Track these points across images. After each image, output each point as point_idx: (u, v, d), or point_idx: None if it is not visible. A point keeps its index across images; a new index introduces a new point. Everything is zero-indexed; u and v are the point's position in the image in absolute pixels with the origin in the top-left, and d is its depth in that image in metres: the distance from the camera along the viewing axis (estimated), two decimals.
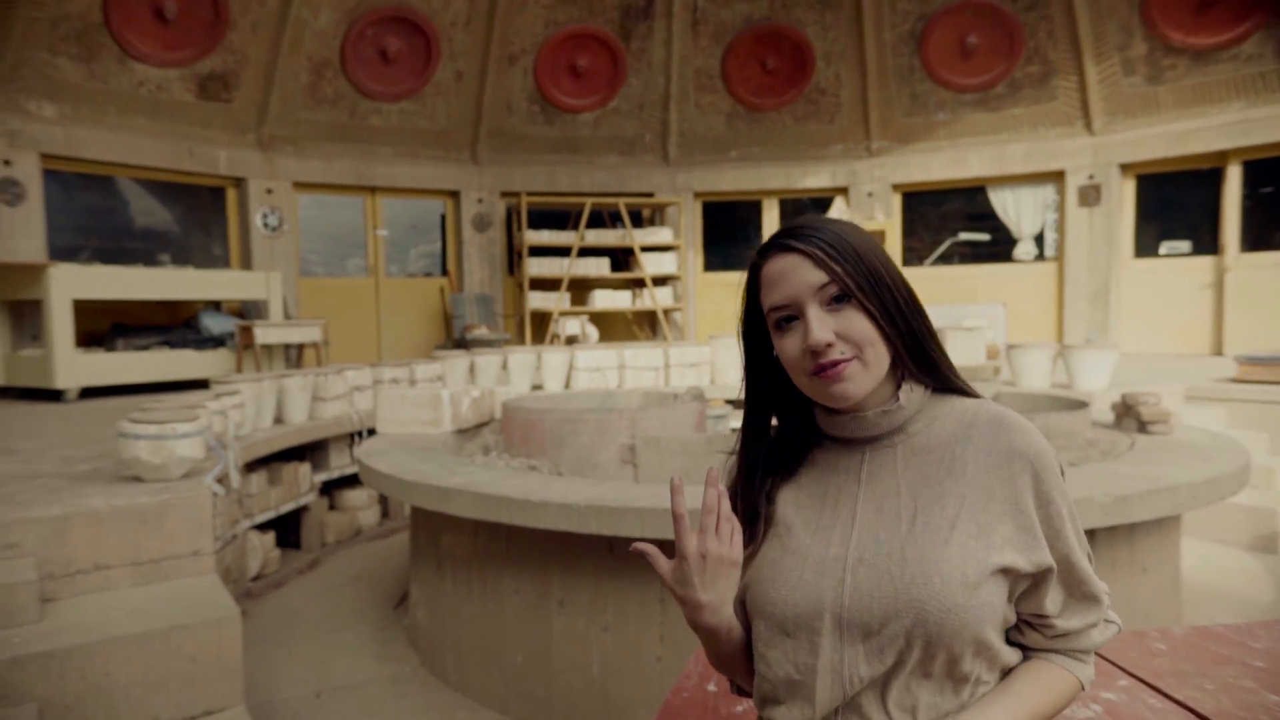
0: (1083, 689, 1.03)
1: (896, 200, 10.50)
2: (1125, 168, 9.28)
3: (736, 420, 6.92)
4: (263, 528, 5.13)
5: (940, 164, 10.11)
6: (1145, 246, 9.42)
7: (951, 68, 9.83)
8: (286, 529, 5.54)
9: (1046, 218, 10.01)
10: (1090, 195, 9.36)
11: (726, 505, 1.00)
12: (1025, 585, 0.99)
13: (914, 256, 10.67)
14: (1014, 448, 0.99)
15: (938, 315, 6.62)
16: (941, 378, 1.05)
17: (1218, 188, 8.76)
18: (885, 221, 9.59)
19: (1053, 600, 1.00)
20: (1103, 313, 9.33)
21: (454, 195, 10.47)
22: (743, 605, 1.08)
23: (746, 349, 1.11)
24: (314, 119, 9.50)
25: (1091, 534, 2.95)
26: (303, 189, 9.66)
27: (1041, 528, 0.98)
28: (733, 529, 1.00)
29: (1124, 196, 9.37)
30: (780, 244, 1.03)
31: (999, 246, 10.25)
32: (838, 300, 0.99)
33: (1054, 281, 9.83)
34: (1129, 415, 4.31)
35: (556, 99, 10.41)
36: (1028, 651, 1.04)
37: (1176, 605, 3.61)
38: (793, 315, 1.00)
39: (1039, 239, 10.09)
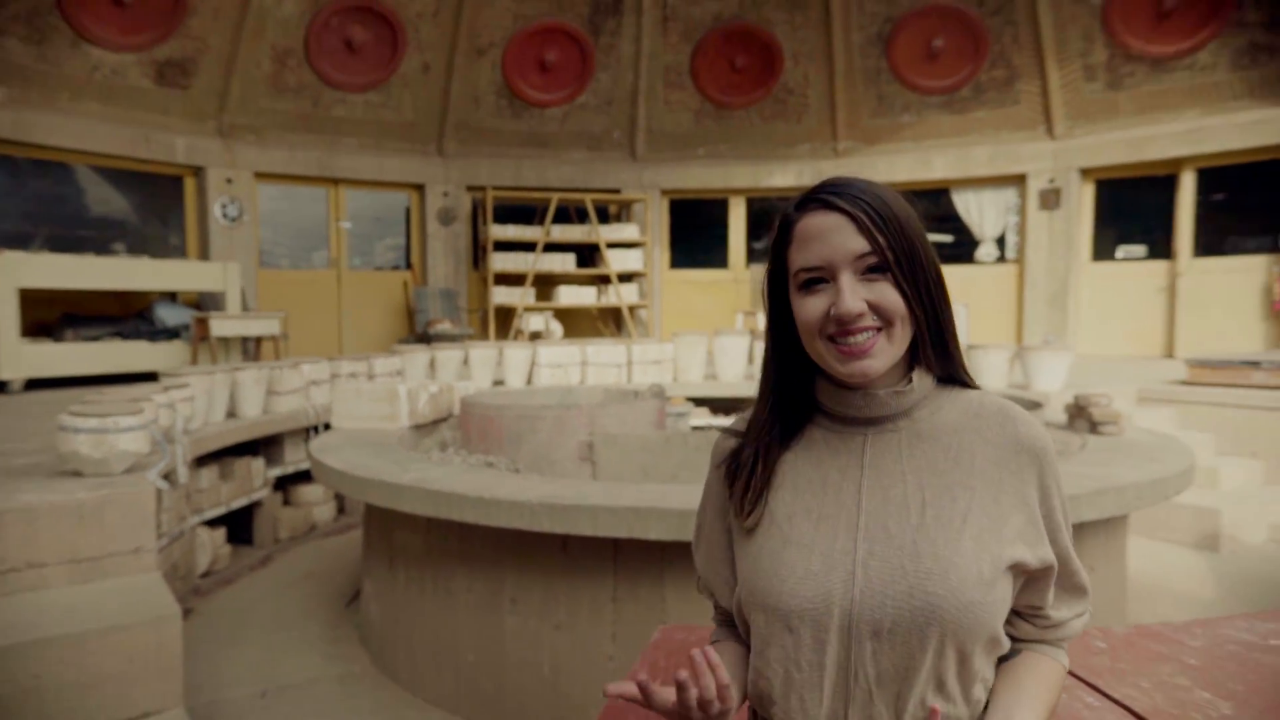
0: (1065, 675, 1.04)
1: None
2: (1085, 172, 9.43)
3: (697, 418, 6.93)
4: (213, 523, 5.03)
5: (905, 165, 10.20)
6: (1103, 250, 9.58)
7: (918, 70, 9.91)
8: (238, 525, 5.44)
9: (1008, 220, 10.14)
10: (1051, 199, 9.50)
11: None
12: (1028, 579, 0.98)
13: None
14: (1021, 440, 0.97)
15: None
16: (951, 368, 1.01)
17: (1172, 194, 8.93)
18: None
19: (1045, 592, 1.00)
20: (1061, 315, 9.47)
21: (419, 188, 10.36)
22: (738, 603, 1.04)
23: (769, 307, 1.04)
24: (276, 108, 9.33)
25: None
26: (264, 179, 9.49)
27: (1044, 522, 0.97)
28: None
29: (1083, 200, 9.51)
30: (822, 200, 0.96)
31: (961, 248, 10.37)
32: (873, 271, 0.94)
33: (1014, 283, 9.96)
34: (1081, 416, 4.37)
35: (524, 93, 10.34)
36: (1016, 643, 1.03)
37: (1122, 604, 3.67)
38: (822, 278, 0.95)
39: (1000, 241, 10.22)
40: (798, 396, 1.04)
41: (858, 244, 0.93)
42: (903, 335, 0.95)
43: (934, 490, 0.95)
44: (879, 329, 0.93)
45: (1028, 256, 9.71)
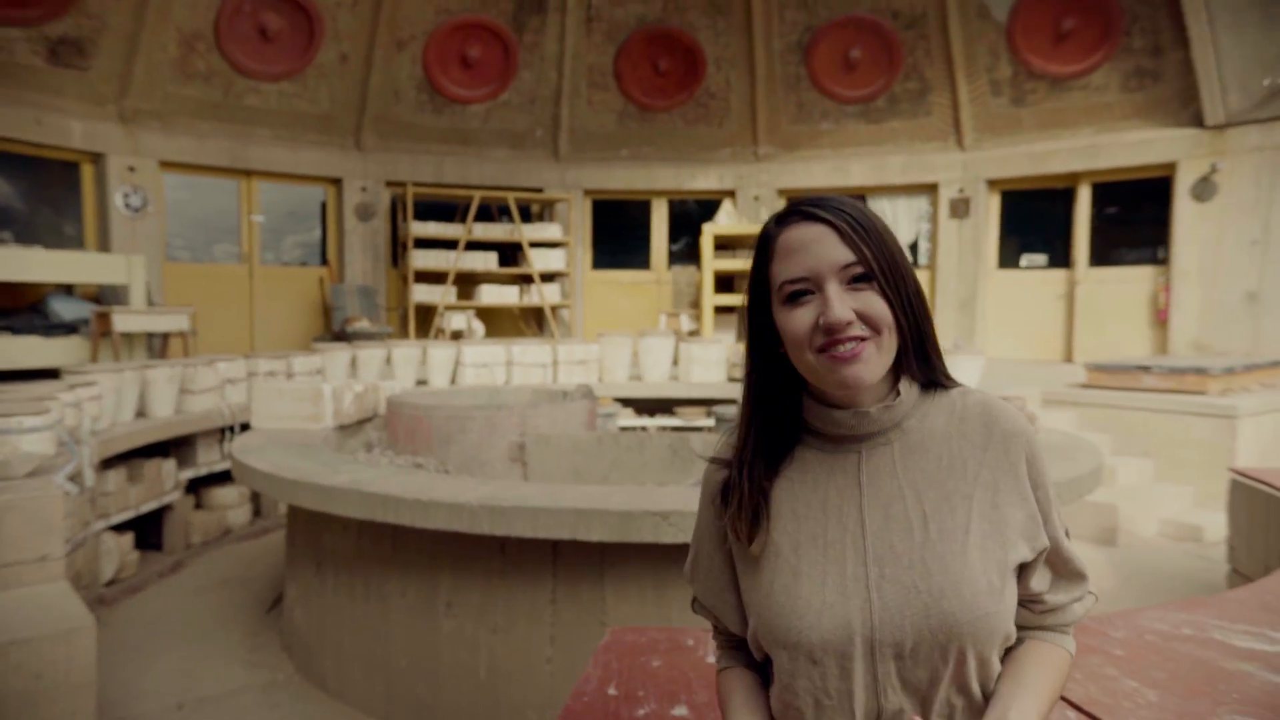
0: (1071, 660, 1.05)
1: (781, 205, 10.77)
2: (992, 183, 9.87)
3: (626, 419, 6.96)
4: (120, 528, 4.78)
5: (824, 171, 10.47)
6: (1007, 258, 10.05)
7: (836, 79, 10.19)
8: (147, 530, 5.19)
9: (921, 228, 10.53)
10: (960, 208, 9.91)
11: None
12: (1024, 569, 0.99)
13: None
14: (1007, 432, 0.99)
15: None
16: (932, 373, 1.03)
17: (1071, 206, 9.44)
18: None
19: (1040, 579, 1.01)
20: (970, 320, 9.89)
21: (336, 183, 10.06)
22: (754, 638, 1.03)
23: (751, 325, 1.04)
24: (183, 94, 8.91)
25: None
26: (170, 169, 9.04)
27: (1038, 510, 0.99)
28: None
29: (990, 210, 9.96)
30: (804, 212, 0.97)
31: None
32: (858, 280, 0.94)
33: (927, 289, 10.31)
34: None
35: (446, 89, 10.16)
36: (1020, 631, 1.03)
37: None
38: (808, 290, 0.95)
39: (914, 248, 10.60)
40: (783, 416, 1.04)
41: (842, 254, 0.94)
42: (890, 344, 0.96)
43: (933, 503, 0.97)
44: (866, 338, 0.94)
45: (939, 263, 10.10)
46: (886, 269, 0.95)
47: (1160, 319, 8.76)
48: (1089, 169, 9.14)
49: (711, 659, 1.84)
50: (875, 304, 0.94)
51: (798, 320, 0.95)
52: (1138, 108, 8.82)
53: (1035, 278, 9.77)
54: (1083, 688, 1.63)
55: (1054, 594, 1.03)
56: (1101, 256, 9.38)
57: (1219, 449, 5.76)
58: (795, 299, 0.96)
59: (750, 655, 1.14)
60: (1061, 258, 9.60)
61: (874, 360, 0.95)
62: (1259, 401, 5.93)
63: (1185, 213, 8.50)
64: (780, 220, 1.00)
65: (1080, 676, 1.68)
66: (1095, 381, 6.66)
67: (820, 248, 0.95)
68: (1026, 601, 1.03)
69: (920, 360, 1.01)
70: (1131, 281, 9.04)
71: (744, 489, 1.02)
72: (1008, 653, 1.02)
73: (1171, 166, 8.60)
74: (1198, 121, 8.38)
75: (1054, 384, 6.90)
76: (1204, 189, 8.37)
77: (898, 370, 1.01)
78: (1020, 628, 1.03)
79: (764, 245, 1.01)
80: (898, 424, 1.00)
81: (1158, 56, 8.58)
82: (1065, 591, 1.04)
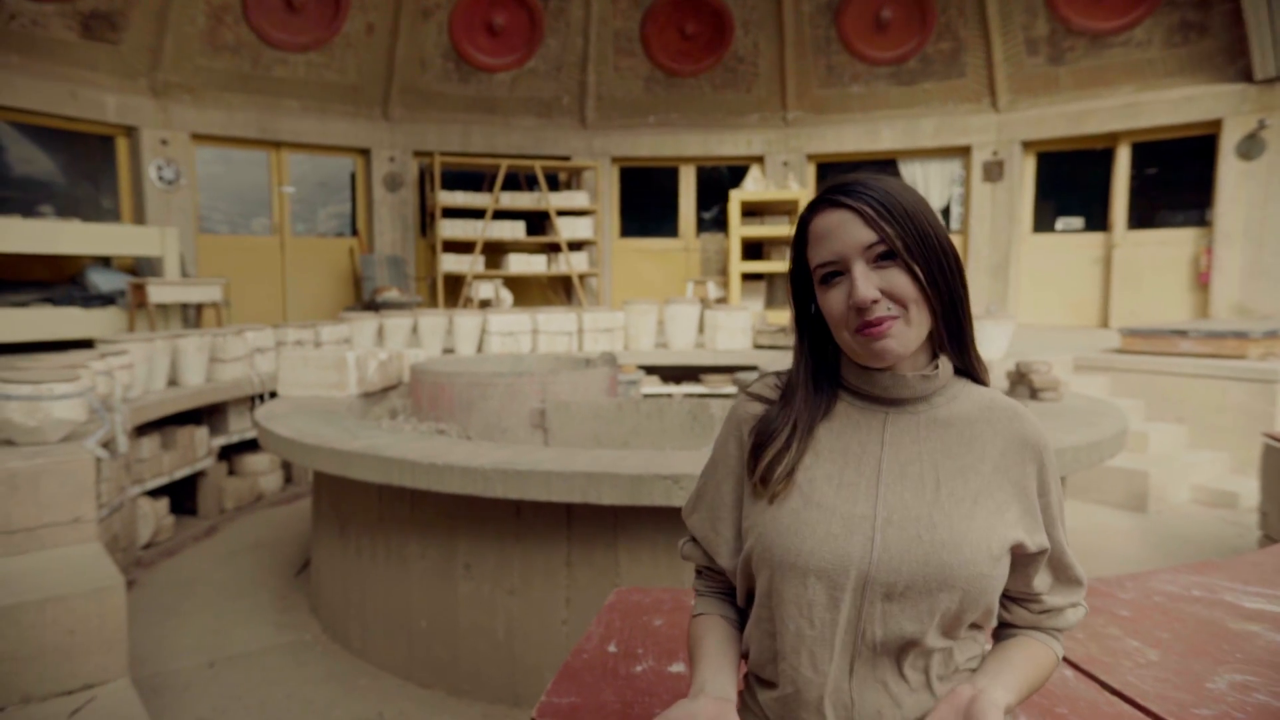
0: (1058, 663, 1.11)
1: (811, 170, 10.64)
2: (1026, 145, 9.62)
3: (649, 386, 6.96)
4: (156, 494, 4.92)
5: (854, 136, 10.28)
6: (1043, 222, 9.82)
7: (866, 41, 9.97)
8: (182, 495, 5.33)
9: (953, 192, 10.32)
10: (994, 171, 9.69)
11: None
12: (1022, 563, 1.04)
13: None
14: (1026, 438, 1.04)
15: None
16: (966, 359, 1.07)
17: (1109, 167, 9.18)
18: (800, 191, 9.71)
19: (1041, 580, 1.06)
20: (1003, 285, 9.71)
21: (364, 153, 10.11)
22: (746, 561, 1.06)
23: (795, 302, 1.11)
24: (213, 67, 8.99)
25: None
26: (202, 141, 9.17)
27: (1042, 514, 1.03)
28: None
29: (1025, 173, 9.72)
30: (829, 200, 1.03)
31: None
32: (884, 258, 0.99)
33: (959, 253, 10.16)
34: (1022, 383, 4.50)
35: (472, 57, 10.13)
36: (1012, 628, 1.10)
37: None
38: (839, 271, 1.01)
39: (945, 212, 10.40)
40: (825, 378, 1.10)
41: (865, 235, 0.99)
42: (920, 319, 1.00)
43: (948, 471, 1.02)
44: (894, 316, 0.98)
45: (971, 227, 9.91)
46: (912, 245, 0.99)
47: (1202, 282, 8.52)
48: (1129, 128, 8.86)
49: None
50: (899, 280, 0.99)
51: (833, 301, 1.01)
52: (1181, 63, 8.51)
53: (1071, 241, 9.55)
54: (1084, 647, 1.62)
55: (1053, 596, 1.08)
56: (1141, 219, 9.13)
57: (1257, 414, 5.61)
58: (829, 280, 1.02)
59: (729, 607, 1.16)
60: (1099, 221, 9.36)
61: (903, 334, 0.99)
62: None
63: (1230, 172, 8.22)
64: (812, 207, 1.06)
65: (1082, 636, 1.66)
66: (1130, 346, 6.52)
67: (845, 231, 1.00)
68: (1026, 600, 1.08)
69: (954, 343, 1.05)
70: (1172, 244, 8.79)
71: (787, 439, 1.06)
72: (998, 644, 1.09)
73: (1216, 124, 8.30)
74: (1245, 76, 8.07)
75: (1087, 349, 6.77)
76: (1251, 147, 8.08)
77: (933, 348, 1.05)
78: (1016, 626, 1.10)
79: (801, 231, 1.08)
80: (928, 398, 1.06)
81: (1204, 8, 8.25)
82: (1063, 595, 1.09)
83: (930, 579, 0.95)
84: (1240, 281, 8.20)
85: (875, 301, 0.97)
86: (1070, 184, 9.82)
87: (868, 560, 0.97)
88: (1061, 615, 1.09)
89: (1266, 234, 8.05)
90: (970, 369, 1.08)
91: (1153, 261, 8.88)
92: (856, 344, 1.00)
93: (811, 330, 1.10)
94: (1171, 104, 8.54)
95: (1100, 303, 9.25)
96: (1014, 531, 1.00)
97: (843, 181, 1.04)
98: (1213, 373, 5.86)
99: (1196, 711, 1.36)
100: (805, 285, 1.08)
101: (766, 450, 1.06)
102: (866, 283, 0.97)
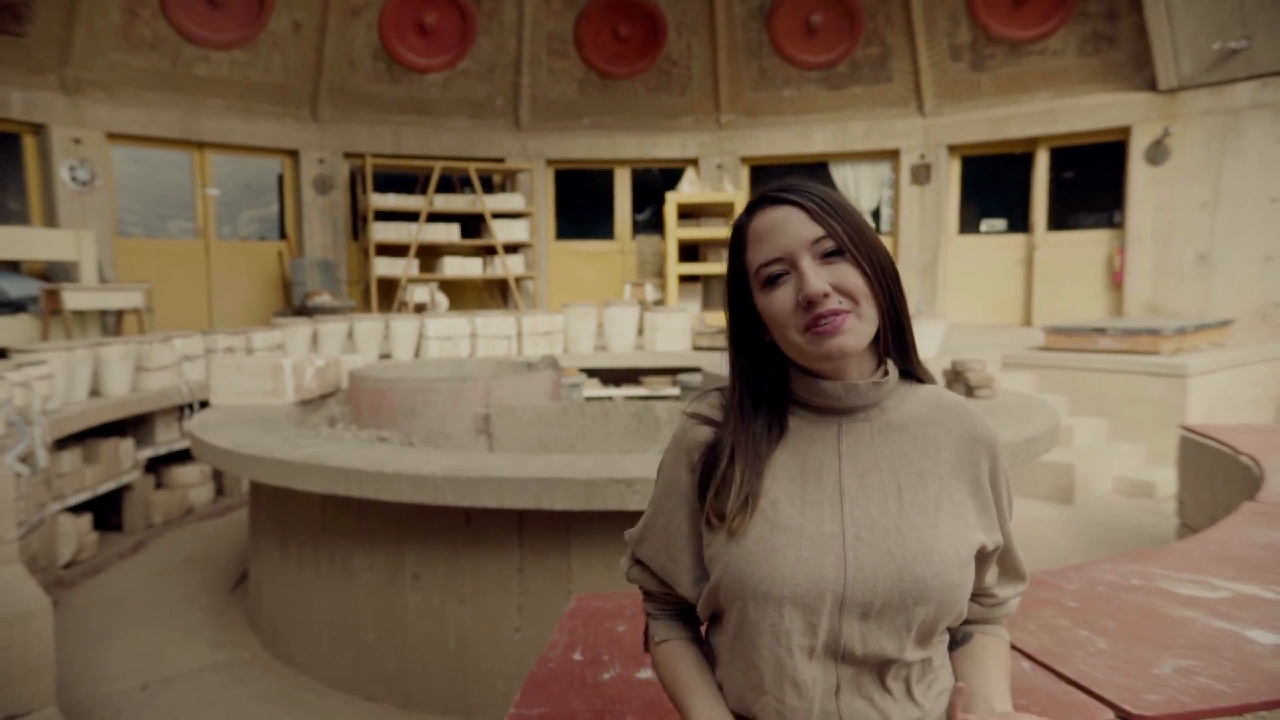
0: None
1: (745, 173, 10.78)
2: (952, 149, 9.93)
3: (591, 389, 6.95)
4: (77, 509, 4.70)
5: (786, 139, 10.46)
6: (968, 224, 10.15)
7: (797, 45, 10.14)
8: (106, 510, 5.10)
9: (883, 194, 10.58)
10: (921, 174, 9.97)
11: None
12: (979, 561, 1.03)
13: None
14: (977, 433, 1.04)
15: None
16: (908, 361, 1.05)
17: (1029, 171, 9.54)
18: (734, 193, 9.83)
19: (991, 574, 1.08)
20: (931, 285, 10.00)
21: (293, 155, 9.83)
22: (713, 591, 1.02)
23: (731, 312, 1.06)
24: (129, 63, 8.62)
25: None
26: (119, 141, 8.78)
27: (994, 508, 1.04)
28: None
29: (950, 176, 10.03)
30: (772, 198, 1.00)
31: None
32: (831, 255, 0.96)
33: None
34: (958, 381, 4.65)
35: (403, 57, 9.96)
36: (966, 624, 1.11)
37: None
38: (784, 270, 0.97)
39: (876, 214, 10.66)
40: (768, 392, 1.05)
41: (812, 230, 0.96)
42: (870, 314, 0.98)
43: (907, 478, 1.00)
44: (846, 310, 0.95)
45: (901, 229, 10.17)
46: (857, 241, 0.97)
47: (1116, 281, 8.92)
48: (1047, 133, 9.23)
49: None
50: (850, 275, 0.96)
51: (778, 302, 0.97)
52: (1094, 72, 8.91)
53: (995, 243, 9.89)
54: (1037, 639, 1.68)
55: (1001, 588, 1.11)
56: (1059, 221, 9.51)
57: (1171, 407, 5.91)
58: (773, 281, 0.98)
59: (690, 629, 1.13)
60: (1021, 222, 9.72)
61: (856, 329, 0.96)
62: (1209, 360, 6.09)
63: (1139, 176, 8.63)
64: (749, 210, 1.03)
65: (1035, 628, 1.72)
66: (1053, 344, 6.78)
67: (790, 227, 0.97)
68: (979, 596, 1.09)
69: (897, 345, 1.04)
70: (1088, 245, 9.19)
71: (742, 469, 1.01)
72: (956, 646, 1.10)
73: (1126, 130, 8.71)
74: (1151, 85, 8.49)
75: (1013, 347, 7.02)
76: (1157, 152, 8.50)
77: (879, 352, 1.03)
78: (969, 621, 1.10)
79: (737, 236, 1.03)
80: (878, 403, 1.03)
81: (1113, 20, 8.65)
82: (1011, 587, 1.11)
83: (906, 594, 0.94)
84: (1151, 280, 8.62)
85: (826, 295, 0.94)
86: (993, 187, 10.18)
87: (842, 581, 0.95)
88: (1007, 605, 1.12)
89: (1173, 235, 8.48)
90: (912, 370, 1.06)
91: (1071, 262, 9.26)
92: (806, 343, 0.96)
93: (751, 342, 1.05)
94: (1085, 111, 8.92)
95: (1023, 302, 9.60)
96: (975, 534, 1.00)
97: (779, 184, 1.01)
98: (1130, 368, 6.15)
99: (1147, 697, 1.42)
100: (741, 295, 1.04)
101: (720, 481, 1.02)
102: (817, 276, 0.94)
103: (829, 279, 0.95)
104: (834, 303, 0.94)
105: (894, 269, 1.01)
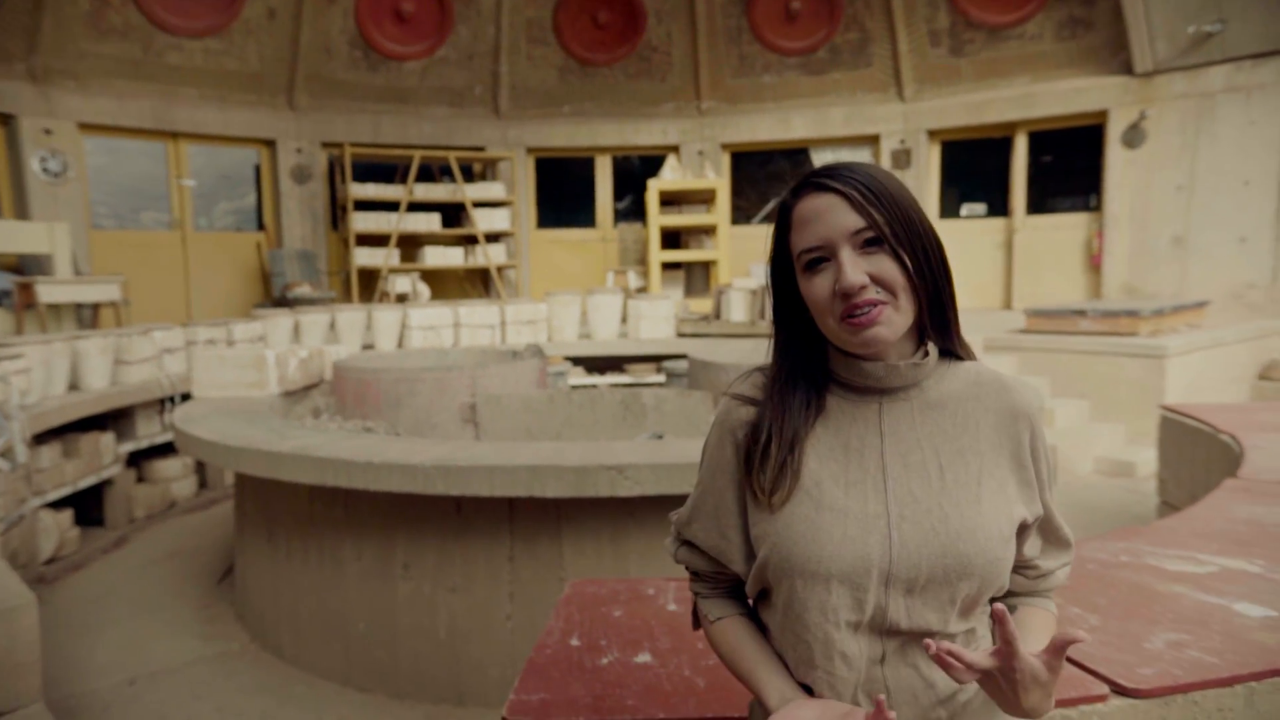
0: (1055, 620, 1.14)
1: (725, 159, 10.77)
2: (932, 134, 9.97)
3: (576, 377, 6.95)
4: (58, 505, 4.64)
5: (767, 125, 10.45)
6: (948, 208, 10.20)
7: (777, 31, 10.12)
8: (88, 505, 5.04)
9: None
10: (902, 159, 10.00)
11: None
12: (1020, 534, 1.04)
13: (741, 215, 11.02)
14: (1017, 407, 1.04)
15: (760, 274, 6.90)
16: (949, 341, 1.06)
17: (1008, 155, 9.60)
18: (715, 180, 9.82)
19: (1033, 545, 1.08)
20: None
21: (270, 144, 9.71)
22: (761, 569, 1.04)
23: (775, 291, 1.08)
24: (99, 51, 8.47)
25: None
26: (91, 131, 8.62)
27: (1035, 480, 1.04)
28: None
29: (931, 161, 10.07)
30: (816, 183, 1.00)
31: None
32: (870, 244, 0.97)
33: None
34: None
35: (380, 45, 9.84)
36: (1012, 596, 1.11)
37: None
38: (824, 257, 0.98)
39: None
40: (810, 371, 1.07)
41: (852, 220, 0.97)
42: (908, 305, 0.99)
43: (948, 455, 1.02)
44: (883, 302, 0.97)
45: None
46: (899, 231, 0.98)
47: (1094, 264, 9.01)
48: (1025, 118, 9.28)
49: (674, 607, 1.87)
50: (887, 266, 0.97)
51: (817, 287, 0.99)
52: (1071, 56, 8.96)
53: (975, 227, 9.95)
54: None
55: (1045, 560, 1.10)
56: (1038, 204, 9.59)
57: (1149, 387, 5.99)
58: (813, 267, 1.00)
59: (742, 605, 1.16)
60: (1000, 206, 9.78)
61: (892, 321, 0.98)
62: (1185, 341, 6.17)
63: (1116, 160, 8.71)
64: (795, 192, 1.04)
65: None
66: (1034, 326, 6.85)
67: (831, 216, 0.98)
68: (1022, 568, 1.09)
69: (938, 325, 1.05)
70: (1066, 228, 9.27)
71: (783, 447, 1.04)
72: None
73: (1103, 114, 8.78)
74: (1127, 69, 8.55)
75: (995, 330, 7.08)
76: (1133, 136, 8.58)
77: (920, 332, 1.04)
78: (1015, 594, 1.11)
79: (783, 217, 1.05)
80: (918, 383, 1.05)
81: (1089, 4, 8.70)
82: (1054, 558, 1.11)
83: (950, 570, 0.96)
84: (1128, 262, 8.72)
85: (863, 287, 0.95)
86: (973, 171, 10.23)
87: (887, 559, 0.97)
88: (1053, 577, 1.11)
89: (1150, 218, 8.57)
90: (953, 349, 1.07)
91: (1050, 245, 9.34)
92: (842, 331, 0.98)
93: (793, 321, 1.07)
94: (1062, 95, 8.98)
95: (1004, 285, 9.68)
96: (1017, 508, 1.02)
97: (827, 167, 1.02)
98: (1109, 350, 6.22)
99: (1141, 671, 1.45)
100: (785, 274, 1.06)
101: (764, 458, 1.04)
102: (854, 268, 0.95)
103: (868, 269, 0.96)
104: (871, 294, 0.96)
105: (941, 253, 1.01)
